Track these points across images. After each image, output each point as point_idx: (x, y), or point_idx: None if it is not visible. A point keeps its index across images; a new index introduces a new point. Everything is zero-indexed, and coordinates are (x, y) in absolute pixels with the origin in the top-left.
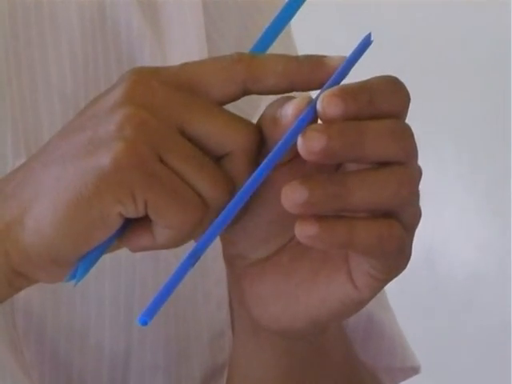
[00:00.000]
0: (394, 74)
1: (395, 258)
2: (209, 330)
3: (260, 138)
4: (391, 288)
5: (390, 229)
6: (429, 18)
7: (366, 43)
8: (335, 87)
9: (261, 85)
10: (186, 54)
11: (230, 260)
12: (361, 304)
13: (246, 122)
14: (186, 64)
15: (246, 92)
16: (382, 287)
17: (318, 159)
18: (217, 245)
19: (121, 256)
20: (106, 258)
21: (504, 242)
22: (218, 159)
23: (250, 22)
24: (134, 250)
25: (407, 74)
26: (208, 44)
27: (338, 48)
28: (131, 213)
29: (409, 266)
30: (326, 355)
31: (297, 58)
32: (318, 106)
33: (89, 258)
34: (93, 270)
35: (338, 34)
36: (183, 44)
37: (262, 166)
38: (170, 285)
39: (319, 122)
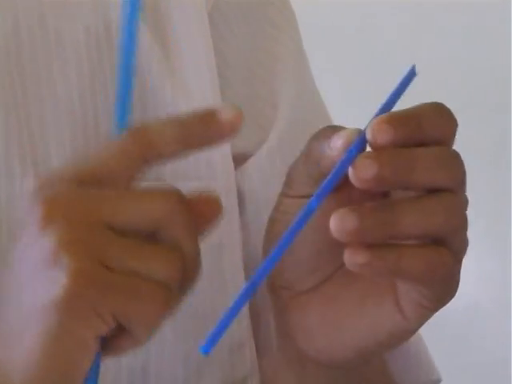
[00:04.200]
0: (392, 76)
1: (444, 285)
2: (228, 343)
3: (181, 195)
4: None
5: (439, 256)
6: (429, 19)
7: (410, 76)
8: (384, 114)
9: (161, 156)
10: (194, 68)
11: (274, 291)
12: (408, 333)
13: (161, 188)
14: (78, 159)
15: (148, 162)
16: (430, 316)
17: (370, 187)
18: (235, 258)
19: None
20: None
21: (504, 273)
22: (154, 234)
23: (261, 34)
24: (119, 352)
25: (404, 74)
26: (216, 57)
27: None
28: (104, 330)
29: None
30: None
31: (187, 120)
32: (368, 134)
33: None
34: None
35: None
36: (191, 58)
37: (315, 196)
38: (227, 321)
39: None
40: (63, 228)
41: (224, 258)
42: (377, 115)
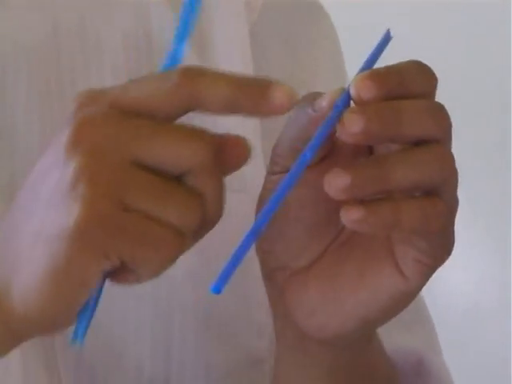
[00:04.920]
0: None
1: (440, 237)
2: (249, 358)
3: (218, 144)
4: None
5: (434, 206)
6: (428, 19)
7: (386, 39)
8: (365, 72)
9: (205, 107)
10: None
11: (270, 274)
12: (410, 296)
13: (198, 134)
14: (130, 83)
15: (192, 109)
16: (430, 274)
17: (358, 140)
18: (259, 270)
19: (160, 281)
20: (146, 283)
21: (504, 273)
22: (181, 177)
23: (303, 52)
24: (123, 285)
25: None
26: (255, 72)
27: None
28: (108, 268)
29: None
30: (373, 368)
31: (246, 82)
32: (352, 91)
33: (84, 316)
34: (132, 294)
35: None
36: (229, 64)
37: (308, 148)
38: (235, 260)
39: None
40: (89, 156)
41: (249, 270)
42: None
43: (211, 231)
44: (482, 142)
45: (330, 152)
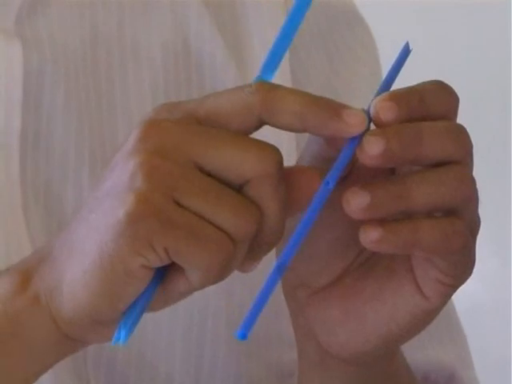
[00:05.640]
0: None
1: (461, 258)
2: (279, 370)
3: (281, 157)
4: None
5: (453, 226)
6: (428, 19)
7: (405, 52)
8: (385, 93)
9: (275, 120)
10: None
11: (291, 292)
12: (431, 314)
13: (263, 146)
14: (205, 97)
15: (263, 123)
16: (451, 294)
17: (379, 163)
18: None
19: (194, 292)
20: None
21: (504, 274)
22: (240, 188)
23: (338, 58)
24: (174, 299)
25: (405, 74)
26: (292, 80)
27: None
28: (154, 263)
29: None
30: (395, 383)
31: (317, 101)
32: (372, 112)
33: (130, 316)
34: None
35: None
36: None
37: (329, 175)
38: (261, 300)
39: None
40: (151, 153)
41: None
42: (377, 95)
43: None
44: (482, 141)
45: (351, 171)
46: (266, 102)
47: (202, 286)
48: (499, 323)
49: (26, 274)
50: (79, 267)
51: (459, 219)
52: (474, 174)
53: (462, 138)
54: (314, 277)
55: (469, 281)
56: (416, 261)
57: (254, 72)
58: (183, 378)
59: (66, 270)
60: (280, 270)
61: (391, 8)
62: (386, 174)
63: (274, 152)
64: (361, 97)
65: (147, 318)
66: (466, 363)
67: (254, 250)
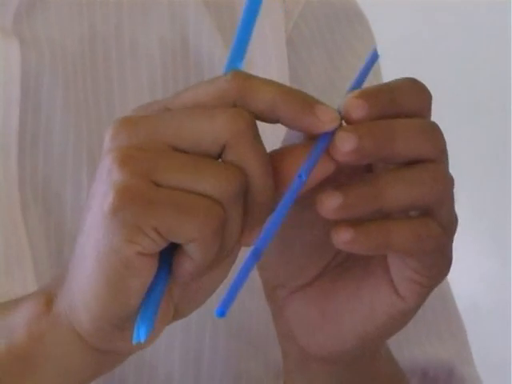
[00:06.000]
0: (391, 77)
1: (435, 258)
2: (277, 368)
3: (251, 116)
4: None
5: (426, 226)
6: (428, 19)
7: (372, 59)
8: (356, 91)
9: (249, 108)
10: None
11: (270, 293)
12: (407, 315)
13: (229, 110)
14: (182, 90)
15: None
16: (427, 294)
17: (351, 160)
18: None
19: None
20: None
21: (504, 273)
22: (220, 157)
23: (339, 57)
24: (185, 280)
25: (405, 74)
26: (292, 81)
27: None
28: (150, 247)
29: None
30: (380, 380)
31: (291, 93)
32: (342, 111)
33: (146, 311)
34: None
35: None
36: (265, 75)
37: (302, 169)
38: (237, 285)
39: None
40: (123, 147)
41: None
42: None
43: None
44: (482, 141)
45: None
46: (242, 89)
47: (207, 260)
48: (499, 323)
49: (48, 296)
50: (82, 274)
51: (433, 220)
52: (474, 174)
53: (435, 135)
54: (291, 277)
55: (469, 281)
56: (391, 261)
57: (252, 71)
58: (182, 377)
59: (74, 281)
60: (255, 255)
61: (392, 8)
62: (363, 172)
63: (242, 112)
64: None
65: None
66: (465, 359)
67: (249, 214)
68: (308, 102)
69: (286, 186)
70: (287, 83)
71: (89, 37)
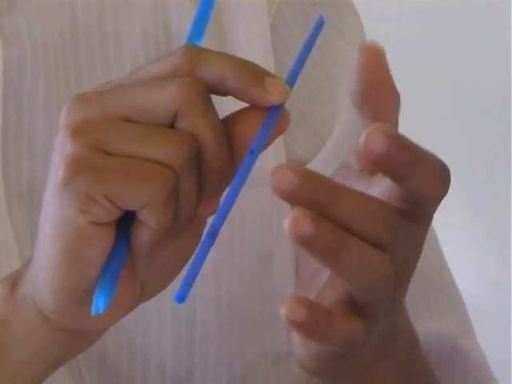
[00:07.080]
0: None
1: (372, 298)
2: (274, 353)
3: (201, 84)
4: None
5: (375, 256)
6: (428, 18)
7: (318, 25)
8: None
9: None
10: None
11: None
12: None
13: (179, 78)
14: (136, 68)
15: None
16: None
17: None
18: (285, 266)
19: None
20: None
21: (504, 274)
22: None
23: (327, 44)
24: (144, 250)
25: (405, 74)
26: (276, 64)
27: None
28: (102, 215)
29: None
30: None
31: (242, 65)
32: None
33: (105, 282)
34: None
35: None
36: (249, 59)
37: (253, 145)
38: (195, 266)
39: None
40: (75, 121)
41: (274, 265)
42: (289, 75)
43: (232, 226)
44: (482, 141)
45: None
46: (193, 62)
47: (162, 226)
48: (499, 323)
49: (14, 280)
50: (43, 251)
51: (385, 253)
52: (475, 174)
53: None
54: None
55: (469, 281)
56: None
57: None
58: (175, 367)
59: (37, 260)
60: (211, 235)
61: (391, 8)
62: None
63: (192, 80)
64: (342, 82)
65: (135, 310)
66: (466, 332)
67: (206, 182)
68: (258, 75)
69: (242, 151)
70: (272, 68)
71: (71, 30)
